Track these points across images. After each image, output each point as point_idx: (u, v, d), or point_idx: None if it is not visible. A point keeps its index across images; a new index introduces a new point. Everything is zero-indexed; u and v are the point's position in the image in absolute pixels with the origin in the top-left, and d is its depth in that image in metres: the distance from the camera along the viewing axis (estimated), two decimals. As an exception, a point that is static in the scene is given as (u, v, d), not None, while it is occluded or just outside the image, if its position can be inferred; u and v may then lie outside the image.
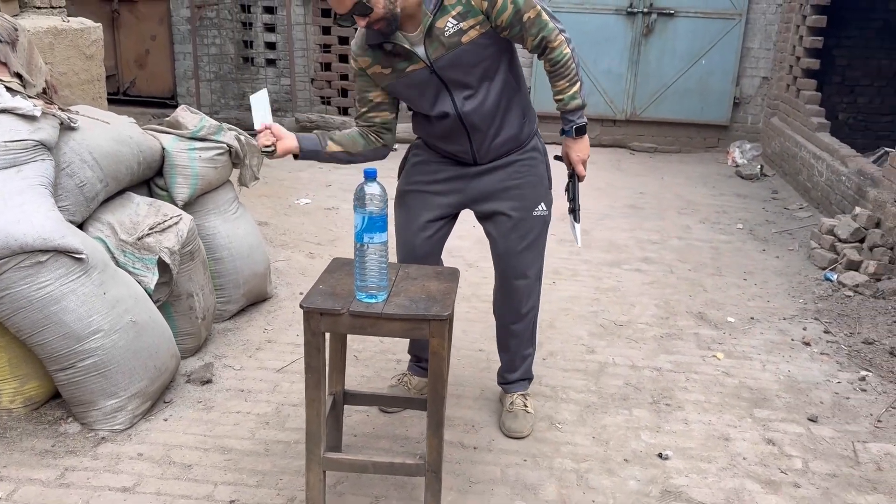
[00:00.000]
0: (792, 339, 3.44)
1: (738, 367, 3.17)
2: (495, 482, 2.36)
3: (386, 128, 2.45)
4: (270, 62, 7.83)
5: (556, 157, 2.53)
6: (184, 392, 2.79)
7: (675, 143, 7.56)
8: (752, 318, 3.66)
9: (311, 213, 5.04)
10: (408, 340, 2.90)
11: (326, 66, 7.79)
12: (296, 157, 2.34)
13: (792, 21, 6.66)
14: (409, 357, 2.92)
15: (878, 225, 4.29)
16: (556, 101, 2.39)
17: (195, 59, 7.76)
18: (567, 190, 2.56)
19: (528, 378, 2.78)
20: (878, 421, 2.78)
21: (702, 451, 2.56)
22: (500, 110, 2.37)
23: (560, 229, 4.87)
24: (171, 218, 2.90)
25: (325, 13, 7.61)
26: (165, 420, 2.61)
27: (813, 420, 2.78)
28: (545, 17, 2.24)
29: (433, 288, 2.07)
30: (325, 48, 7.72)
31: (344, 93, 7.79)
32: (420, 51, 2.23)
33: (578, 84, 2.36)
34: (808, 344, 3.39)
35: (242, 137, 3.45)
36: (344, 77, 7.75)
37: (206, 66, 7.83)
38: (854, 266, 4.09)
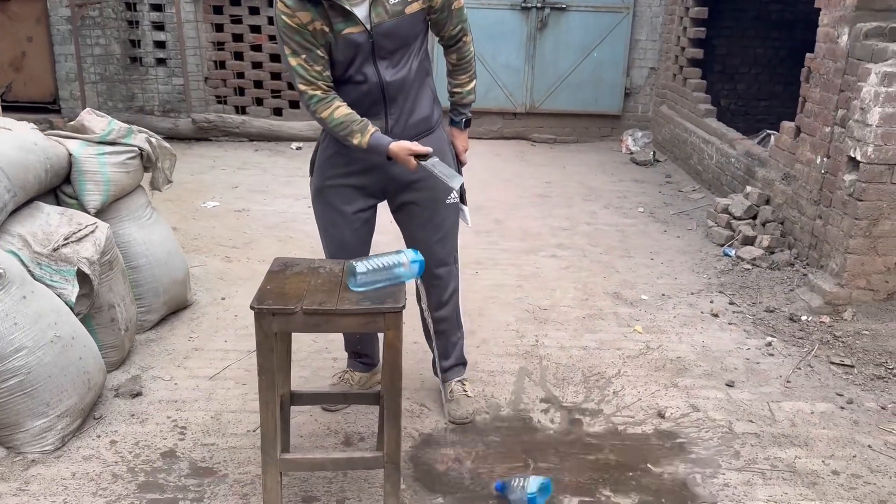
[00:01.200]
0: (702, 312, 3.67)
1: (657, 341, 3.35)
2: (446, 468, 2.40)
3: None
4: (161, 61, 7.50)
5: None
6: (114, 407, 2.67)
7: (572, 133, 7.84)
8: (663, 295, 3.88)
9: (220, 215, 4.89)
10: (342, 337, 2.89)
11: (221, 65, 7.55)
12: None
13: (675, 13, 7.05)
14: (346, 354, 2.91)
15: (767, 202, 4.63)
16: (454, 93, 2.57)
17: (78, 61, 7.32)
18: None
19: (462, 363, 2.84)
20: (788, 381, 3.02)
21: (636, 421, 2.70)
22: (415, 87, 2.40)
23: (477, 221, 4.96)
24: (86, 227, 2.76)
25: (217, 10, 7.38)
26: (98, 437, 2.49)
27: (730, 385, 2.98)
28: (465, 12, 2.40)
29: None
30: (219, 46, 7.48)
31: (241, 91, 7.58)
32: (360, 13, 2.19)
33: (475, 81, 2.59)
34: (716, 315, 3.63)
35: (154, 140, 3.32)
36: (240, 75, 7.54)
37: (90, 67, 7.41)
38: (749, 241, 4.40)
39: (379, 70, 2.30)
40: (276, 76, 7.57)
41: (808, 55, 4.32)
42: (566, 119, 7.80)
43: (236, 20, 7.42)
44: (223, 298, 3.60)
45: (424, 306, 2.41)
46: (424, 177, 2.40)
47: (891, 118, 3.39)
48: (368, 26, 2.21)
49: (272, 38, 7.45)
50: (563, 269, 4.20)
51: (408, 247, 2.53)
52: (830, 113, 3.95)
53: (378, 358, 2.83)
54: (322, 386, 2.84)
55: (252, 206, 5.10)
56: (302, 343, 3.15)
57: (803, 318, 3.57)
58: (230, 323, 3.37)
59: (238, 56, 7.51)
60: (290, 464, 2.05)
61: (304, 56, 2.21)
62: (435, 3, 2.30)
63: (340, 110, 2.26)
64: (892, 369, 3.11)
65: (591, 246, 4.63)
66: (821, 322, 3.52)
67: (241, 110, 7.58)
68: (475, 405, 2.73)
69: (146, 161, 3.28)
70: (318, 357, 3.09)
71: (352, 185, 2.50)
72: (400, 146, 2.23)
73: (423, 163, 2.23)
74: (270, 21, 7.42)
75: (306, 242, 4.40)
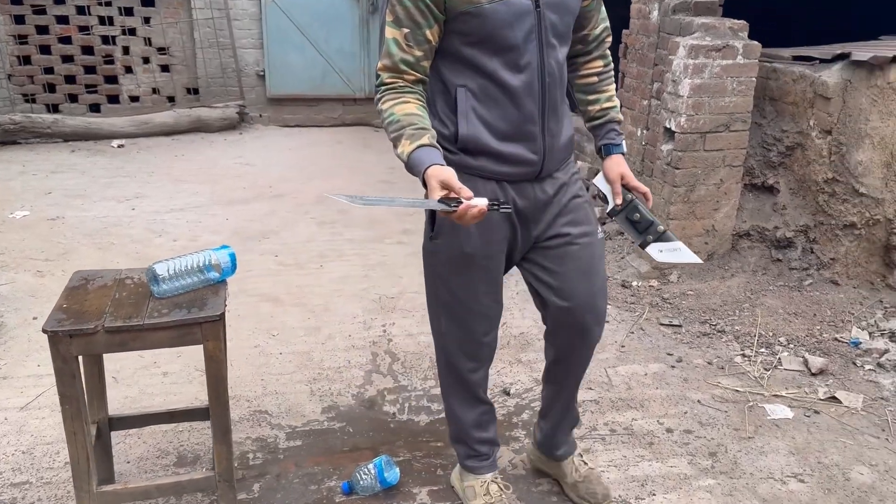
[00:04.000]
0: (543, 287, 3.76)
1: (501, 319, 3.38)
2: (295, 478, 2.29)
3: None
4: (-49, 58, 6.69)
5: (591, 183, 2.12)
6: None
7: (414, 116, 7.81)
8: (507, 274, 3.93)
9: (31, 226, 4.43)
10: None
11: (26, 60, 6.85)
12: None
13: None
14: (182, 367, 2.71)
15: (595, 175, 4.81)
16: (603, 109, 1.95)
17: None
18: (628, 218, 1.95)
19: (575, 427, 2.26)
20: (622, 346, 3.16)
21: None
22: (563, 89, 1.81)
23: (320, 212, 4.82)
24: None
25: (16, 0, 6.67)
26: None
27: (571, 355, 3.07)
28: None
29: (199, 293, 1.92)
30: (21, 39, 6.77)
31: (51, 88, 6.91)
32: None
33: None
34: (557, 288, 3.73)
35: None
36: (48, 70, 6.87)
37: None
38: (584, 214, 4.56)
39: (545, 61, 1.71)
40: (90, 70, 6.98)
41: (623, 31, 4.51)
42: (407, 103, 7.76)
43: (39, 10, 6.75)
44: (35, 318, 3.25)
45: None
46: (574, 204, 1.87)
47: (699, 88, 3.60)
48: None
49: (82, 28, 6.85)
50: (410, 255, 4.16)
51: (552, 303, 1.91)
52: (647, 87, 4.15)
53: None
54: (148, 406, 2.62)
55: (68, 213, 4.65)
56: (126, 361, 2.90)
57: (634, 283, 3.75)
58: (43, 344, 3.03)
59: (45, 50, 6.84)
60: (109, 496, 1.86)
61: (406, 31, 1.65)
62: None
63: (407, 107, 1.66)
64: (715, 325, 3.33)
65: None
66: (650, 286, 3.71)
67: (53, 108, 6.92)
68: (603, 478, 2.26)
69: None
70: (146, 373, 2.85)
71: (492, 255, 1.87)
72: (440, 175, 1.55)
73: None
74: (79, 10, 6.81)
75: (131, 248, 4.07)
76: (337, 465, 2.35)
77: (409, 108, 1.66)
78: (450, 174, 1.54)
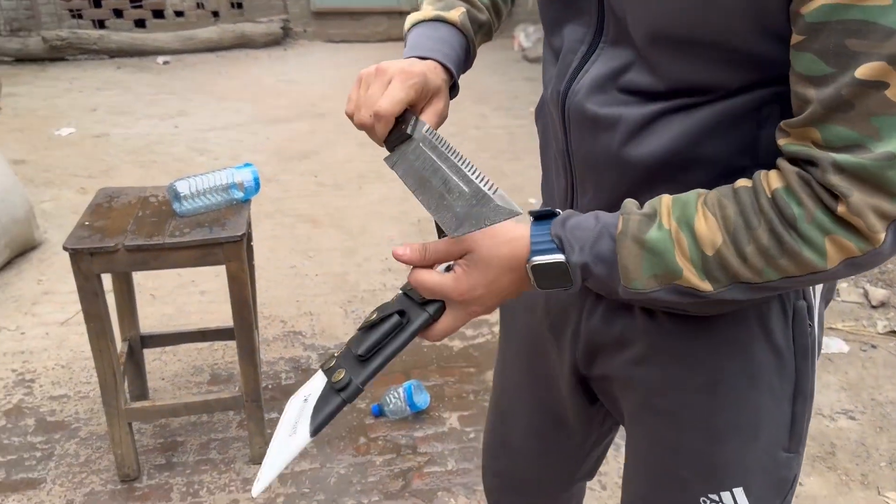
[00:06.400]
0: (589, 211, 3.62)
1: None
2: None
3: None
4: (-1, -27, 6.67)
5: None
6: (-54, 367, 2.39)
7: (462, 32, 7.54)
8: (551, 196, 3.80)
9: (76, 143, 4.45)
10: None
11: (70, -26, 6.79)
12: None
13: None
14: (220, 286, 2.70)
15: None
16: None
17: None
18: None
19: None
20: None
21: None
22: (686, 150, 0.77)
23: (359, 132, 4.73)
24: None
25: None
26: (-73, 403, 2.23)
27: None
28: None
29: (222, 213, 1.86)
30: (65, -48, 6.69)
31: (97, 3, 6.85)
32: None
33: None
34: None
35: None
36: (94, -15, 6.81)
37: (-87, -19, 6.51)
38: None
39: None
40: (134, -17, 6.88)
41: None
42: (455, 18, 7.47)
43: (81, -79, 6.63)
44: (78, 235, 3.28)
45: None
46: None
47: None
48: None
49: (125, -60, 6.71)
50: (450, 177, 4.05)
51: None
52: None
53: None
54: (185, 324, 2.63)
55: (112, 130, 4.66)
56: (163, 278, 2.91)
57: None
58: (85, 261, 3.08)
59: (89, -38, 6.76)
60: (137, 413, 1.87)
61: None
62: None
63: None
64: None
65: (479, 151, 4.48)
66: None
67: (99, 24, 6.88)
68: None
69: (-39, 86, 2.86)
70: (183, 292, 2.86)
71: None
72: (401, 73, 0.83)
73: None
74: (120, -80, 6.66)
75: (172, 166, 4.06)
76: (369, 386, 2.33)
77: None
78: (414, 84, 0.80)
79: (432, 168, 0.76)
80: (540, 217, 0.76)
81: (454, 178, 0.74)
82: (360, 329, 0.78)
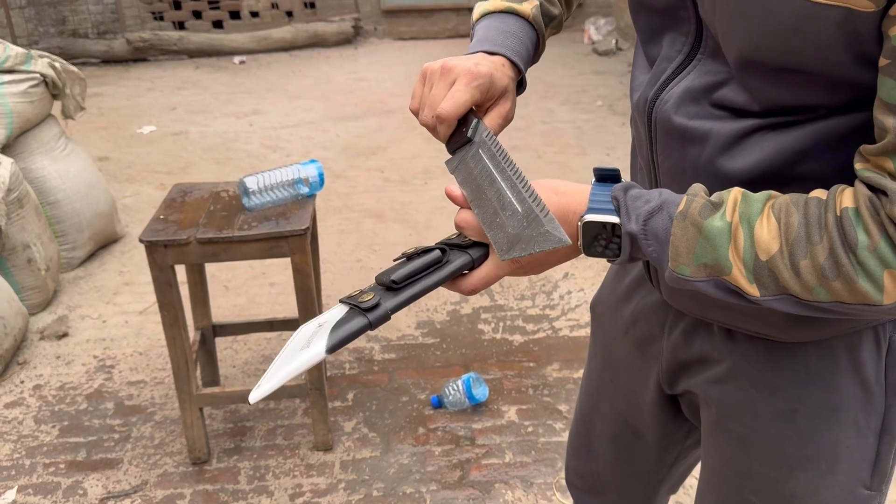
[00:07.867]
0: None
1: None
2: (382, 390, 2.33)
3: None
4: (88, -21, 7.02)
5: None
6: (39, 350, 2.55)
7: (530, 27, 7.49)
8: (617, 191, 3.75)
9: (156, 140, 4.66)
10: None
11: (153, -22, 7.08)
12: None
13: None
14: (289, 279, 2.79)
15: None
16: None
17: (-3, -17, 6.82)
18: None
19: None
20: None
21: (581, 324, 2.63)
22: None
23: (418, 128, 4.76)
24: (-16, 164, 2.57)
25: (141, -83, 6.85)
26: (21, 382, 2.39)
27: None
28: None
29: (288, 208, 1.93)
30: (148, -43, 6.99)
31: (177, 5, 7.13)
32: None
33: None
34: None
35: (58, 64, 3.07)
36: (175, -12, 7.09)
37: (11, -11, 6.92)
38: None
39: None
40: (212, -14, 7.13)
41: None
42: (523, 12, 7.43)
43: (163, -73, 6.91)
44: (157, 228, 3.44)
45: None
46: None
47: None
48: None
49: (203, -56, 6.96)
50: (515, 172, 4.05)
51: None
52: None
53: None
54: (256, 314, 2.73)
55: (191, 128, 4.85)
56: (237, 270, 3.02)
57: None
58: (164, 253, 3.23)
59: (170, -33, 7.04)
60: (207, 398, 1.96)
61: None
62: None
63: None
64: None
65: (545, 146, 4.46)
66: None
67: (179, 25, 7.16)
68: None
69: (52, 88, 3.04)
70: (255, 283, 2.96)
71: None
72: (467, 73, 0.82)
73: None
74: (200, -75, 6.91)
75: (246, 163, 4.20)
76: (428, 379, 2.37)
77: None
78: (479, 85, 0.79)
79: (489, 179, 0.76)
80: (603, 178, 0.75)
81: (508, 193, 0.74)
82: (395, 260, 0.75)
